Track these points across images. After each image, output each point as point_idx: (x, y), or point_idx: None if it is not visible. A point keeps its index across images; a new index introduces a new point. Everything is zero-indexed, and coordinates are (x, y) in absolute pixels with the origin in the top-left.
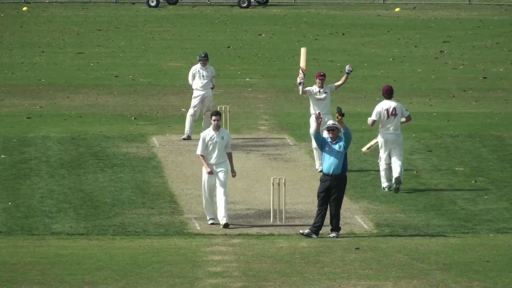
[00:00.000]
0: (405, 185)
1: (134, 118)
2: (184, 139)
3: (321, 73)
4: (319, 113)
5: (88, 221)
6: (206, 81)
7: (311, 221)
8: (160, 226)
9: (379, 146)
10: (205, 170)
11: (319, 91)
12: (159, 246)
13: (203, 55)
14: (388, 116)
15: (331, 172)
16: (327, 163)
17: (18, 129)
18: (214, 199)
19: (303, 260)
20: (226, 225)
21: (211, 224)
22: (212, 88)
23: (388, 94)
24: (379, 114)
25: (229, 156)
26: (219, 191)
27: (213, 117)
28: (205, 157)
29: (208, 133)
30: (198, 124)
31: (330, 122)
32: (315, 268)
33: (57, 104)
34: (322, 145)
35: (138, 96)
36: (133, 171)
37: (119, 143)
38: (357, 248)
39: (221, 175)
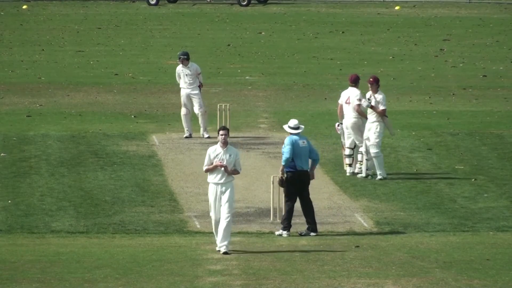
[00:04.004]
0: (405, 183)
1: (134, 116)
2: (186, 137)
3: (373, 77)
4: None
5: (88, 219)
6: (191, 79)
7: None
8: (160, 224)
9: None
10: (211, 193)
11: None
12: (159, 244)
13: (181, 55)
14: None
15: None
16: None
17: (18, 127)
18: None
19: (303, 258)
20: (225, 253)
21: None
22: (200, 87)
23: (352, 81)
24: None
25: (235, 170)
26: (224, 215)
27: (221, 132)
28: (209, 175)
29: (215, 149)
30: (196, 123)
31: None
32: (315, 266)
33: (57, 102)
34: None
35: (138, 94)
36: (133, 169)
37: (119, 141)
38: (357, 246)
39: (226, 198)
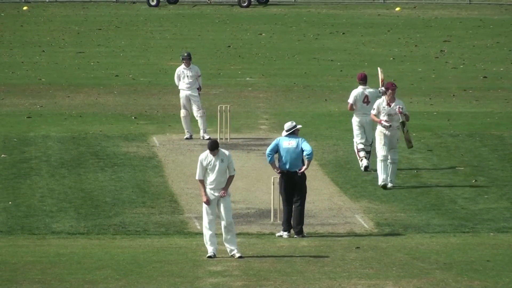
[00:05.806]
0: (405, 184)
1: (135, 118)
2: (187, 138)
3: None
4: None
5: (88, 220)
6: (191, 81)
7: (311, 220)
8: (161, 225)
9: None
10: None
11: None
12: (160, 245)
13: (185, 54)
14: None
15: None
16: None
17: (19, 128)
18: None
19: (304, 259)
20: (240, 257)
21: (208, 257)
22: (199, 89)
23: (362, 79)
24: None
25: (230, 178)
26: (224, 224)
27: (210, 152)
28: (205, 180)
29: (206, 156)
30: (196, 124)
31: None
32: (315, 267)
33: (58, 104)
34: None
35: (138, 95)
36: (134, 170)
37: (119, 142)
38: (358, 248)
39: (224, 205)
